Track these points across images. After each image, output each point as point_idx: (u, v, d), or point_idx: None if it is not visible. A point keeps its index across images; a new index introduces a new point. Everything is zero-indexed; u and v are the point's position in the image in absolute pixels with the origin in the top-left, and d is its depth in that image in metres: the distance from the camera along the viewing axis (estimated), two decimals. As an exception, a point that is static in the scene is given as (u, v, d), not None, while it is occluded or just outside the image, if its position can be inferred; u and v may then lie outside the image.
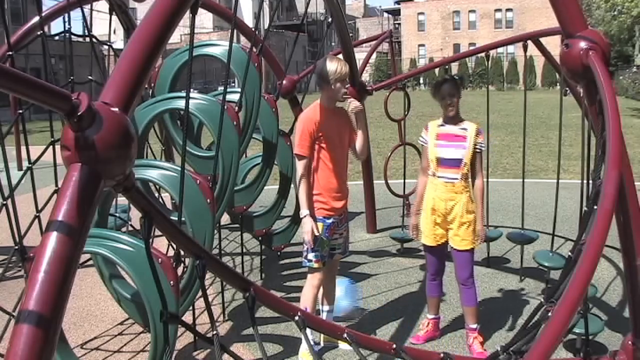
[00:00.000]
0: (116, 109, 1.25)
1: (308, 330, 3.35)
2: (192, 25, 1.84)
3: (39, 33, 4.29)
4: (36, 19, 5.22)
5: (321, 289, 3.66)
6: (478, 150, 3.59)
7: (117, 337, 3.93)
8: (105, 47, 5.23)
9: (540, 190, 8.12)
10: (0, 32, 4.26)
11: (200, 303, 3.67)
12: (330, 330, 2.28)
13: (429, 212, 3.62)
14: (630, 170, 2.25)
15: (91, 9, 4.89)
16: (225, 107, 3.34)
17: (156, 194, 4.82)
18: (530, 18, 45.75)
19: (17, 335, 1.05)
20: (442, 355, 2.26)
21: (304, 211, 3.38)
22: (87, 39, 4.50)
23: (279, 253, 5.33)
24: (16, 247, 3.15)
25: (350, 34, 5.80)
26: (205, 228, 3.23)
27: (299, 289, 4.49)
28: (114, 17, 5.35)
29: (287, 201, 4.66)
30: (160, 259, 2.71)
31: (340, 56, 5.08)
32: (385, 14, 67.79)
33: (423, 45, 52.98)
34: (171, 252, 4.26)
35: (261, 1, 6.16)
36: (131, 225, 4.86)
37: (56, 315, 1.09)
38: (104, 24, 5.00)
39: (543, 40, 5.03)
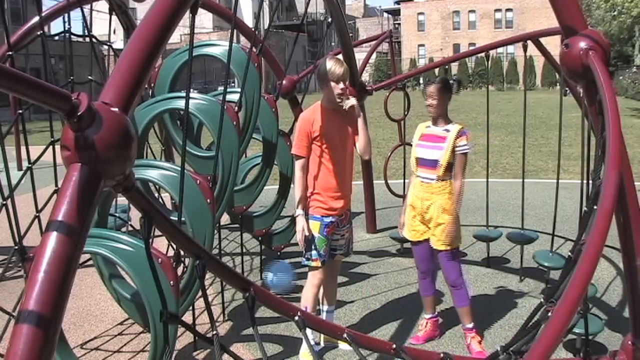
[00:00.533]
0: (116, 109, 1.25)
1: (309, 331, 3.37)
2: (192, 25, 1.84)
3: (39, 33, 4.29)
4: (36, 19, 5.22)
5: (322, 289, 3.66)
6: (459, 152, 3.57)
7: (117, 337, 3.93)
8: (105, 47, 5.23)
9: (540, 190, 8.12)
10: (0, 32, 4.26)
11: (200, 303, 3.67)
12: (330, 330, 2.28)
13: (409, 208, 3.73)
14: (630, 170, 2.25)
15: (91, 9, 4.89)
16: (225, 107, 3.34)
17: (156, 194, 4.82)
18: (530, 18, 45.75)
19: (17, 335, 1.05)
20: (442, 355, 2.26)
21: (297, 211, 3.47)
22: (87, 39, 4.50)
23: (279, 253, 5.32)
24: (16, 247, 3.15)
25: (350, 34, 5.80)
26: (205, 228, 3.24)
27: (299, 289, 4.50)
28: (114, 17, 5.34)
29: (287, 201, 4.66)
30: (160, 259, 2.71)
31: (340, 56, 5.09)
32: (385, 14, 67.79)
33: (423, 45, 52.97)
34: (171, 252, 4.27)
35: (261, 1, 6.16)
36: (131, 225, 4.86)
37: (56, 315, 1.09)
38: (104, 24, 5.00)
39: (543, 40, 5.03)
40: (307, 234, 3.43)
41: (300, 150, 3.48)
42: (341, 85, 3.41)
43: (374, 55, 9.31)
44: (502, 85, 42.97)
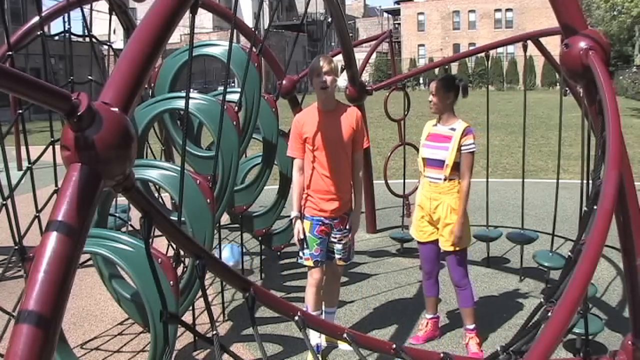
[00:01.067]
0: (116, 109, 1.25)
1: (313, 333, 3.37)
2: (192, 25, 1.84)
3: (39, 33, 4.29)
4: (36, 19, 5.22)
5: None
6: (465, 152, 3.53)
7: (117, 337, 3.93)
8: (105, 47, 5.23)
9: (540, 190, 8.12)
10: (0, 32, 4.26)
11: (200, 303, 3.67)
12: (330, 331, 2.28)
13: (418, 208, 3.72)
14: (630, 170, 2.25)
15: (91, 9, 4.89)
16: (225, 107, 3.34)
17: (156, 194, 4.82)
18: (530, 18, 45.74)
19: (17, 335, 1.05)
20: (442, 355, 2.26)
21: (292, 212, 3.50)
22: (87, 39, 4.50)
23: (279, 253, 5.33)
24: (16, 247, 3.15)
25: (350, 34, 5.80)
26: (205, 228, 3.24)
27: (299, 289, 4.50)
28: (114, 17, 5.34)
29: (287, 201, 4.66)
30: (160, 259, 2.71)
31: (340, 57, 5.09)
32: (385, 14, 67.76)
33: (423, 45, 52.96)
34: (171, 252, 4.27)
35: (261, 1, 6.16)
36: (131, 225, 4.86)
37: (56, 315, 1.09)
38: (104, 24, 5.00)
39: (543, 40, 5.03)
40: (301, 236, 3.46)
41: (293, 151, 3.52)
42: (321, 78, 3.37)
43: (374, 55, 9.31)
44: (502, 85, 42.98)
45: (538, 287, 4.65)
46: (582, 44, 2.22)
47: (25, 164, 4.11)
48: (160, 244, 4.74)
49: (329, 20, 4.58)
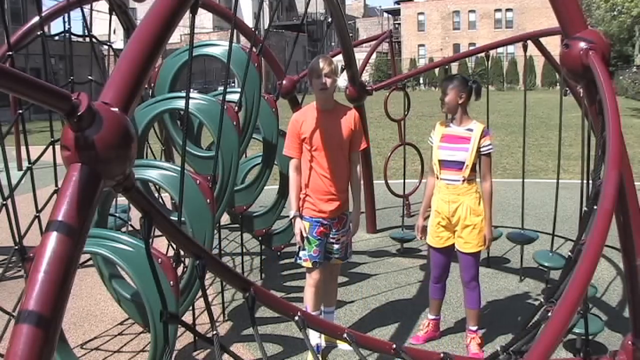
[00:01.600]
0: (116, 109, 1.25)
1: (313, 333, 3.36)
2: (192, 25, 1.84)
3: (39, 33, 4.29)
4: (36, 19, 5.22)
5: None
6: (484, 153, 3.51)
7: (117, 337, 3.93)
8: (105, 47, 5.23)
9: (540, 190, 8.12)
10: (0, 32, 4.26)
11: (200, 303, 3.67)
12: (330, 331, 2.28)
13: (434, 213, 3.62)
14: (630, 170, 2.25)
15: (91, 9, 4.89)
16: (225, 107, 3.34)
17: (156, 194, 4.82)
18: (530, 18, 45.74)
19: (17, 335, 1.05)
20: (442, 355, 2.26)
21: (292, 212, 3.49)
22: (87, 39, 4.50)
23: (279, 253, 5.33)
24: (16, 247, 3.15)
25: (350, 34, 5.80)
26: (205, 228, 3.24)
27: (299, 289, 4.50)
28: (114, 17, 5.34)
29: (287, 201, 4.66)
30: (160, 259, 2.71)
31: (340, 57, 5.09)
32: (385, 14, 67.76)
33: (423, 45, 52.96)
34: (171, 252, 4.27)
35: (261, 1, 6.15)
36: (131, 225, 4.86)
37: (56, 315, 1.09)
38: (104, 24, 5.00)
39: (543, 40, 5.03)
40: (305, 234, 3.44)
41: (290, 151, 3.50)
42: (321, 79, 3.36)
43: (374, 55, 9.31)
44: (502, 85, 42.96)
45: (538, 287, 4.65)
46: (582, 44, 2.22)
47: (25, 164, 4.12)
48: (160, 244, 4.74)
49: (329, 20, 4.58)
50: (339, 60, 4.30)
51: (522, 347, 2.32)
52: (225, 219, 5.08)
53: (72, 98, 1.14)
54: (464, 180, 3.49)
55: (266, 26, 13.65)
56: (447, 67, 6.87)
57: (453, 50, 48.51)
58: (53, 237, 1.13)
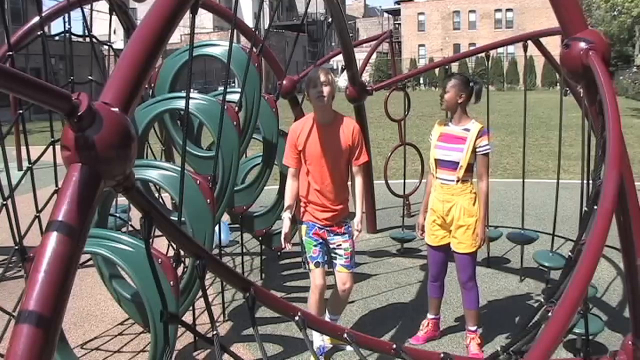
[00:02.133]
0: (116, 109, 1.25)
1: (316, 335, 3.34)
2: (192, 25, 1.84)
3: (39, 33, 4.30)
4: (36, 19, 5.22)
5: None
6: (481, 153, 3.49)
7: (117, 337, 3.93)
8: (105, 47, 5.23)
9: (540, 190, 8.12)
10: (0, 32, 4.26)
11: (200, 303, 3.67)
12: (330, 331, 2.28)
13: (430, 212, 3.65)
14: (630, 170, 2.25)
15: (91, 9, 4.89)
16: (225, 107, 3.34)
17: (156, 194, 4.82)
18: (530, 18, 45.72)
19: (17, 335, 1.05)
20: (442, 355, 2.26)
21: (284, 214, 3.49)
22: (87, 39, 4.50)
23: (279, 253, 5.32)
24: (16, 247, 3.15)
25: (350, 34, 5.80)
26: (205, 228, 3.24)
27: (299, 289, 4.50)
28: (114, 17, 5.34)
29: (286, 201, 4.66)
30: (160, 259, 2.71)
31: (341, 57, 5.09)
32: (385, 14, 67.75)
33: (423, 45, 52.95)
34: (171, 252, 4.27)
35: (261, 1, 6.16)
36: (131, 225, 4.86)
37: (56, 315, 1.09)
38: (104, 24, 4.99)
39: (543, 40, 5.03)
40: (286, 231, 3.43)
41: (287, 161, 3.51)
42: (318, 88, 3.34)
43: (374, 55, 9.31)
44: (502, 85, 42.96)
45: (538, 287, 4.65)
46: (583, 44, 2.21)
47: (25, 164, 4.12)
48: (160, 244, 4.74)
49: (329, 20, 4.59)
50: (339, 60, 4.29)
51: (522, 347, 2.32)
52: (225, 219, 5.08)
53: (72, 98, 1.14)
54: (458, 181, 3.49)
55: (266, 26, 13.65)
56: (447, 67, 6.87)
57: (453, 50, 48.51)
58: (53, 237, 1.13)
